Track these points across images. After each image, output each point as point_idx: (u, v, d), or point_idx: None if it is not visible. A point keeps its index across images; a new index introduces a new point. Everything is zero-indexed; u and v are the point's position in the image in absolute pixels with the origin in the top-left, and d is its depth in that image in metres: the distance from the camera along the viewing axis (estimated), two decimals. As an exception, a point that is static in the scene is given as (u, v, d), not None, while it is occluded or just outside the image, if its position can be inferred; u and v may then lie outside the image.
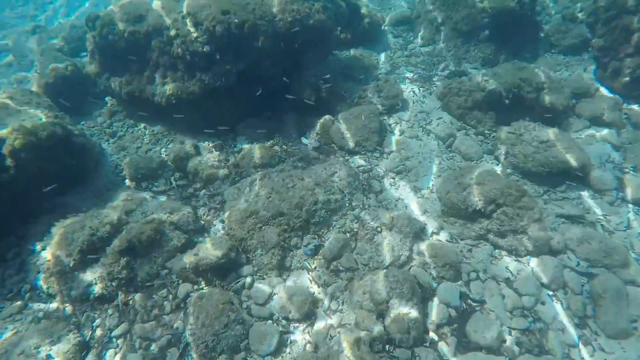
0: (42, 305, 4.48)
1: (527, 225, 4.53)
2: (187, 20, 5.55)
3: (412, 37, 8.47)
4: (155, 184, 5.78)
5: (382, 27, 8.58)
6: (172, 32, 5.56)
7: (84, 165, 5.51)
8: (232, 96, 6.06)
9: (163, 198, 5.60)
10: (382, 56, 7.95)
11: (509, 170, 5.66)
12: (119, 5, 5.97)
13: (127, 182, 5.76)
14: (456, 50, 7.70)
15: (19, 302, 4.48)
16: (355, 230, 5.00)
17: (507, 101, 6.00)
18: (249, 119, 6.33)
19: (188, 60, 5.62)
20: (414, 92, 7.02)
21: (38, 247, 4.68)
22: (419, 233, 4.88)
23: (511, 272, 4.48)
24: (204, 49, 5.51)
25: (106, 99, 6.85)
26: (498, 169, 5.70)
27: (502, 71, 6.30)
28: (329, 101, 6.46)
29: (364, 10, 7.96)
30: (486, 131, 6.18)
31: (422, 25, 8.36)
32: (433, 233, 4.97)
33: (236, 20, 5.44)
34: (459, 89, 6.30)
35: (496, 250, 4.73)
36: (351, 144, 6.04)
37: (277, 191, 5.10)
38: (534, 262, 4.51)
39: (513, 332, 3.95)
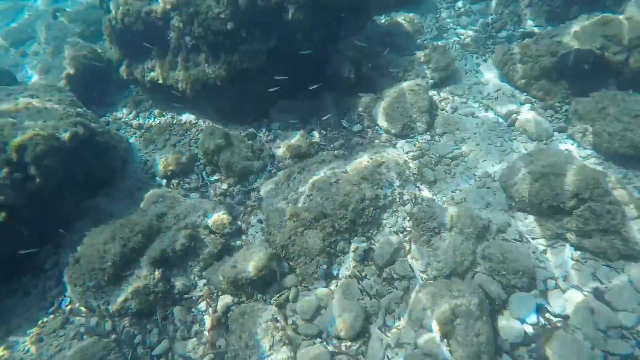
0: (82, 320, 4.28)
1: (621, 224, 3.79)
2: (208, -5, 4.90)
3: (460, -7, 7.40)
4: (186, 180, 5.38)
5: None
6: (191, 9, 4.93)
7: (111, 164, 5.16)
8: (263, 77, 5.44)
9: (195, 195, 5.21)
10: (427, 19, 6.99)
11: (588, 151, 4.82)
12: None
13: (157, 179, 5.39)
14: (515, 6, 6.60)
15: (60, 317, 4.30)
16: (408, 229, 4.44)
17: (586, 66, 5.02)
18: (282, 102, 5.72)
19: (211, 40, 5.01)
20: (466, 59, 6.12)
21: (71, 260, 4.42)
22: (483, 232, 4.24)
23: (600, 280, 3.81)
24: (228, 27, 4.87)
25: (130, 86, 6.40)
26: (574, 151, 4.87)
27: (579, 28, 5.27)
28: (371, 77, 5.72)
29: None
30: (557, 104, 5.27)
31: (472, -22, 7.25)
32: (499, 231, 4.31)
33: (263, -8, 4.73)
34: (522, 55, 5.37)
35: (578, 252, 4.03)
36: (398, 126, 5.34)
37: (319, 187, 4.56)
38: (633, 269, 3.78)
39: (610, 359, 3.34)
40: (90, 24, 7.92)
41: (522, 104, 5.41)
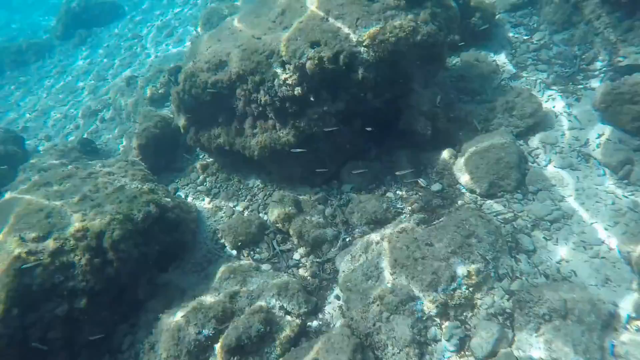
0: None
1: None
2: (272, 60, 4.75)
3: (536, 24, 6.75)
4: (257, 250, 5.17)
5: (496, 17, 6.97)
6: (257, 78, 4.80)
7: (182, 238, 5.08)
8: (331, 138, 5.17)
9: (267, 267, 4.96)
10: (502, 56, 6.42)
11: None
12: (196, 52, 5.40)
13: (227, 249, 5.22)
14: (610, 31, 5.81)
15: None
16: (509, 311, 3.83)
17: None
18: (352, 162, 5.39)
19: (278, 106, 4.84)
20: (554, 100, 5.46)
21: (146, 345, 4.30)
22: (609, 320, 3.53)
23: None
24: (295, 92, 4.67)
25: (197, 150, 6.43)
26: None
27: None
28: (448, 130, 5.24)
29: (473, 2, 6.46)
30: (680, 151, 4.47)
31: (549, 4, 6.59)
32: (631, 319, 3.57)
33: (329, 53, 4.50)
34: (633, 93, 4.64)
35: None
36: (483, 185, 4.79)
37: (403, 264, 4.11)
38: None
39: None
40: (159, 88, 8.22)
41: (635, 150, 4.63)
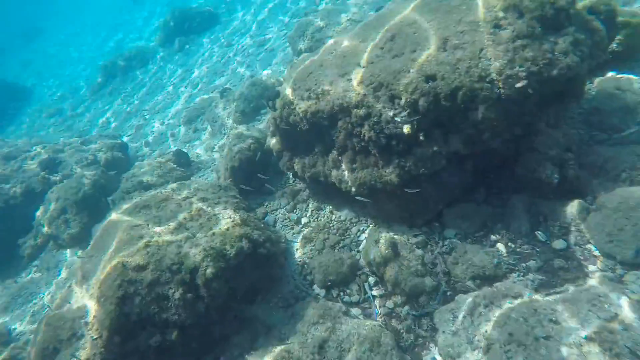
0: None
1: None
2: (380, 94, 4.35)
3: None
4: (347, 291, 4.84)
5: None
6: (361, 112, 4.44)
7: (270, 273, 4.92)
8: (438, 179, 4.67)
9: (357, 312, 4.61)
10: (651, 83, 5.36)
11: None
12: (296, 78, 5.17)
13: (316, 287, 4.97)
14: None
15: None
16: None
17: None
18: (459, 205, 4.83)
19: (383, 143, 4.44)
20: None
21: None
22: None
23: None
24: (404, 130, 4.23)
25: (288, 174, 6.26)
26: None
27: None
28: (578, 178, 4.46)
29: (621, 19, 5.42)
30: None
31: None
32: None
33: (447, 89, 3.99)
34: None
35: None
36: (627, 251, 3.97)
37: (519, 342, 3.51)
38: None
39: None
40: (251, 100, 8.26)
41: None
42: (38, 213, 8.45)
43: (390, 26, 4.82)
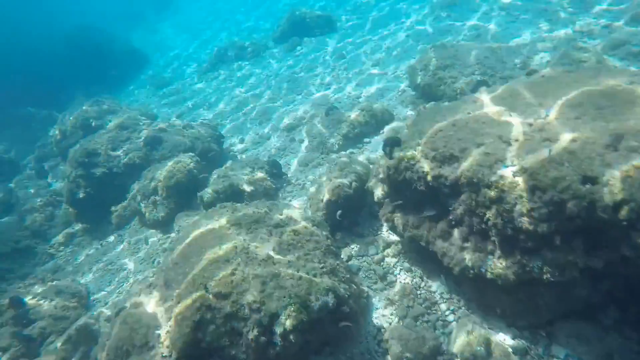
0: None
1: None
2: (520, 180, 3.81)
3: None
4: (422, 376, 4.37)
5: None
6: (492, 193, 3.92)
7: (347, 330, 4.59)
8: (560, 287, 4.02)
9: (430, 405, 4.14)
10: None
11: None
12: (422, 132, 4.77)
13: (388, 358, 4.56)
14: None
15: None
16: None
17: None
18: (577, 322, 4.14)
19: (508, 234, 3.90)
20: None
21: None
22: None
23: None
24: (538, 229, 3.66)
25: (382, 219, 5.89)
26: None
27: None
28: None
29: None
30: None
31: None
32: None
33: (609, 199, 3.36)
34: None
35: None
36: None
37: None
38: None
39: None
40: (356, 126, 7.99)
41: None
42: (134, 186, 8.95)
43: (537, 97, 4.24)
